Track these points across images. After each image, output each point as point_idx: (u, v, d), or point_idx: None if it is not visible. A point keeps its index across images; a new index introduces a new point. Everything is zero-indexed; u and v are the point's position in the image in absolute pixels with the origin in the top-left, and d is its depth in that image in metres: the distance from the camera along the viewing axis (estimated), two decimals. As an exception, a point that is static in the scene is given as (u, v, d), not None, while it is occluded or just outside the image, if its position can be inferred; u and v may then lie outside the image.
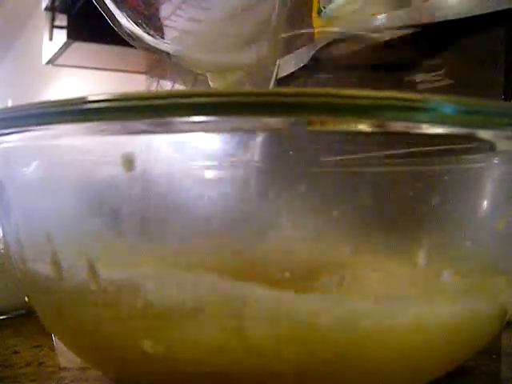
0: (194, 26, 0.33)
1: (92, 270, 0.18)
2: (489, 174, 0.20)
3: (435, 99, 0.15)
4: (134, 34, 0.34)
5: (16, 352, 0.30)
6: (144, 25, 0.34)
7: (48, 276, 0.20)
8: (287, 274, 0.18)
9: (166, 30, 0.34)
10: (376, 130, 0.15)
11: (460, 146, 0.19)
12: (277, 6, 0.34)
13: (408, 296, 0.18)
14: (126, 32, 0.34)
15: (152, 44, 0.34)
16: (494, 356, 0.30)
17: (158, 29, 0.34)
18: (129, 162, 0.18)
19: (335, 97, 0.14)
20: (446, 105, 0.15)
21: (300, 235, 0.20)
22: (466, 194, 0.20)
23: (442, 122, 0.15)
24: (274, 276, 0.18)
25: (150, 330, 0.18)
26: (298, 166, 0.21)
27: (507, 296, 0.20)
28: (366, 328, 0.17)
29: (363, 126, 0.15)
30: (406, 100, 0.15)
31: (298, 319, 0.17)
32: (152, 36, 0.34)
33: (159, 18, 0.34)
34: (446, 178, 0.20)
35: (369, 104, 0.14)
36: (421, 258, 0.19)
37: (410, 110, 0.15)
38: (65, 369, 0.27)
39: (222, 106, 0.15)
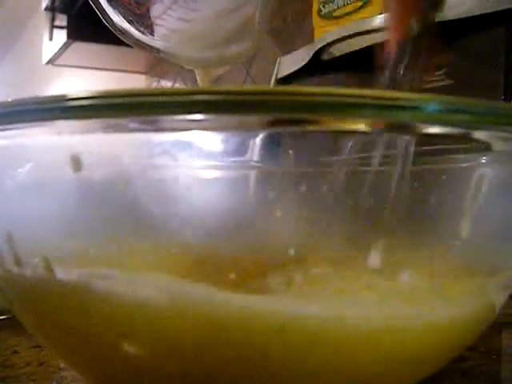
0: (182, 25, 0.35)
1: (49, 270, 0.19)
2: (480, 174, 0.20)
3: (422, 98, 0.15)
4: (126, 30, 0.35)
5: (16, 352, 0.30)
6: (135, 22, 0.35)
7: (19, 279, 0.20)
8: (236, 275, 0.18)
9: (155, 28, 0.35)
10: (371, 129, 0.15)
11: (455, 146, 0.20)
12: (259, 7, 0.35)
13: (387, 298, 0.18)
14: (117, 28, 0.35)
15: (142, 40, 0.35)
16: (494, 356, 0.30)
17: (148, 26, 0.35)
18: (76, 162, 0.18)
19: (318, 95, 0.14)
20: (434, 104, 0.15)
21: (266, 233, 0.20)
22: (457, 193, 0.20)
23: (428, 121, 0.15)
24: (225, 276, 0.18)
25: (106, 330, 0.18)
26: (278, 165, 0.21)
27: (494, 296, 0.20)
28: (319, 330, 0.17)
29: (353, 126, 0.15)
30: (395, 99, 0.15)
31: (247, 320, 0.17)
32: (142, 33, 0.35)
33: (149, 17, 0.35)
34: (434, 177, 0.20)
35: (357, 103, 0.14)
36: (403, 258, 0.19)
37: (399, 109, 0.15)
38: (65, 369, 0.27)
39: (215, 104, 0.15)
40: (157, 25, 0.35)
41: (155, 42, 0.35)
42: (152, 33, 0.35)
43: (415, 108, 0.15)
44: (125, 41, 0.36)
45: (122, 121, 0.16)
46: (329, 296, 0.18)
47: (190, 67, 0.38)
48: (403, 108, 0.15)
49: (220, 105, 0.15)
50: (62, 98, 0.15)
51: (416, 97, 0.15)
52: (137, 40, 0.35)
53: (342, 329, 0.17)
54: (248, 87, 0.15)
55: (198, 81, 0.37)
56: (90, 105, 0.15)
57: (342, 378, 0.18)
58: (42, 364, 0.28)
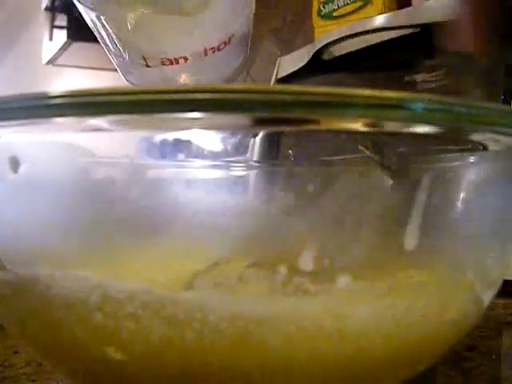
0: None
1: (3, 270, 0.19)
2: (470, 174, 0.20)
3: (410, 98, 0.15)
4: None
5: (16, 352, 0.30)
6: None
7: None
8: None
9: None
10: (367, 129, 0.15)
11: (452, 146, 0.20)
12: None
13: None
14: None
15: None
16: (494, 356, 0.30)
17: None
18: (14, 163, 0.18)
19: (307, 95, 0.14)
20: (422, 103, 0.15)
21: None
22: (446, 193, 0.20)
23: (416, 120, 0.15)
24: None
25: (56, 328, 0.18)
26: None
27: (480, 294, 0.20)
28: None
29: (354, 126, 0.15)
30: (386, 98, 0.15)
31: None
32: None
33: None
34: (424, 177, 0.20)
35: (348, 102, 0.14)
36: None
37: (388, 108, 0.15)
38: (65, 369, 0.27)
39: (208, 103, 0.14)
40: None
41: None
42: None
43: (403, 107, 0.15)
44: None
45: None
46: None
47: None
48: (391, 107, 0.15)
49: (209, 105, 0.14)
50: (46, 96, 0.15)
51: (404, 96, 0.15)
52: None
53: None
54: (235, 85, 0.14)
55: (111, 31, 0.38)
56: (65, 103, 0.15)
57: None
58: (41, 364, 0.28)
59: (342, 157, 0.24)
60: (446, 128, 0.15)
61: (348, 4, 0.72)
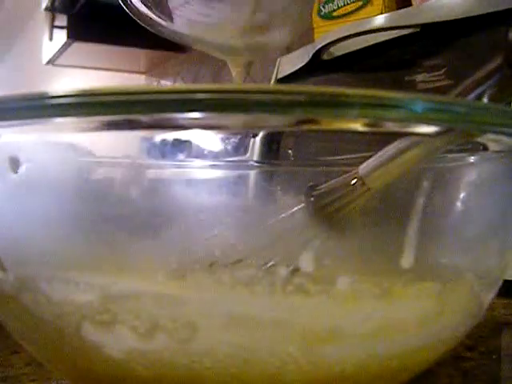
0: (201, 18, 0.34)
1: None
2: (469, 174, 0.20)
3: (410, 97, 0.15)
4: (146, 15, 0.34)
5: (16, 352, 0.30)
6: (153, 8, 0.34)
7: None
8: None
9: (174, 17, 0.34)
10: (367, 129, 0.15)
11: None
12: None
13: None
14: (136, 11, 0.34)
15: (164, 25, 0.34)
16: (494, 356, 0.30)
17: (167, 14, 0.34)
18: (14, 163, 0.18)
19: (305, 95, 0.14)
20: (419, 103, 0.15)
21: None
22: (445, 193, 0.20)
23: (414, 120, 0.15)
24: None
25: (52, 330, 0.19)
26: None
27: (480, 294, 0.20)
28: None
29: (355, 126, 0.15)
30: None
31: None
32: (162, 19, 0.34)
33: (168, 6, 0.34)
34: (424, 177, 0.20)
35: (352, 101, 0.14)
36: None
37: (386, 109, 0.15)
38: (65, 369, 0.27)
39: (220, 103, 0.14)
40: (175, 14, 0.34)
41: (179, 28, 0.35)
42: (172, 21, 0.34)
43: (403, 107, 0.15)
44: (144, 25, 0.35)
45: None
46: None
47: (217, 55, 0.37)
48: (391, 107, 0.15)
49: (204, 104, 0.14)
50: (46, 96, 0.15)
51: (404, 96, 0.15)
52: (159, 25, 0.34)
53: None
54: (235, 86, 0.14)
55: (231, 69, 0.36)
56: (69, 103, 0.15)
57: None
58: (41, 364, 0.28)
59: (342, 157, 0.24)
60: (445, 128, 0.15)
61: (348, 4, 0.72)
